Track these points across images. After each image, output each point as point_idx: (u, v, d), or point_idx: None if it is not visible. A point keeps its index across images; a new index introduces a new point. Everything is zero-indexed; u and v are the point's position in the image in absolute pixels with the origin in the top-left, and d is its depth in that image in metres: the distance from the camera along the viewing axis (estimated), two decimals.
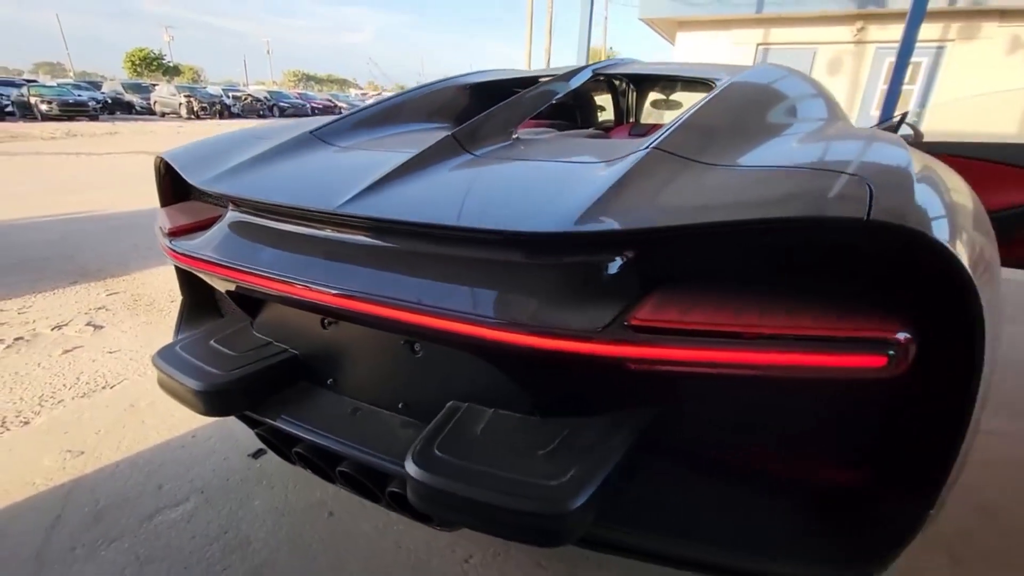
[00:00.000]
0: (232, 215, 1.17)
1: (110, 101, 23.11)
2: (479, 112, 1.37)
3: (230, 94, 25.89)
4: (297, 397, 1.18)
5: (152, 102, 23.81)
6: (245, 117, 24.12)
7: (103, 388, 2.16)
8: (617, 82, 2.73)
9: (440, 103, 1.98)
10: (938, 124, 8.84)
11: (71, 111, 18.22)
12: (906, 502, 0.80)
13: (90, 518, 1.49)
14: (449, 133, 1.19)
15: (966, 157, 2.71)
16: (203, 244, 1.14)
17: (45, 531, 1.44)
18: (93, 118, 18.90)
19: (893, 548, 0.80)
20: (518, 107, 1.46)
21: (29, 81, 22.77)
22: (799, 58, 9.93)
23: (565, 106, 2.70)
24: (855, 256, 0.77)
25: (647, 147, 1.00)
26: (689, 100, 2.64)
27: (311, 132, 1.42)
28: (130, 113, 23.81)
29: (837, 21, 9.27)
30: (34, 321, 2.77)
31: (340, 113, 1.68)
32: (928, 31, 8.44)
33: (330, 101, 31.49)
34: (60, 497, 1.56)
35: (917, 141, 3.21)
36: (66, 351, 2.46)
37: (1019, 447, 1.87)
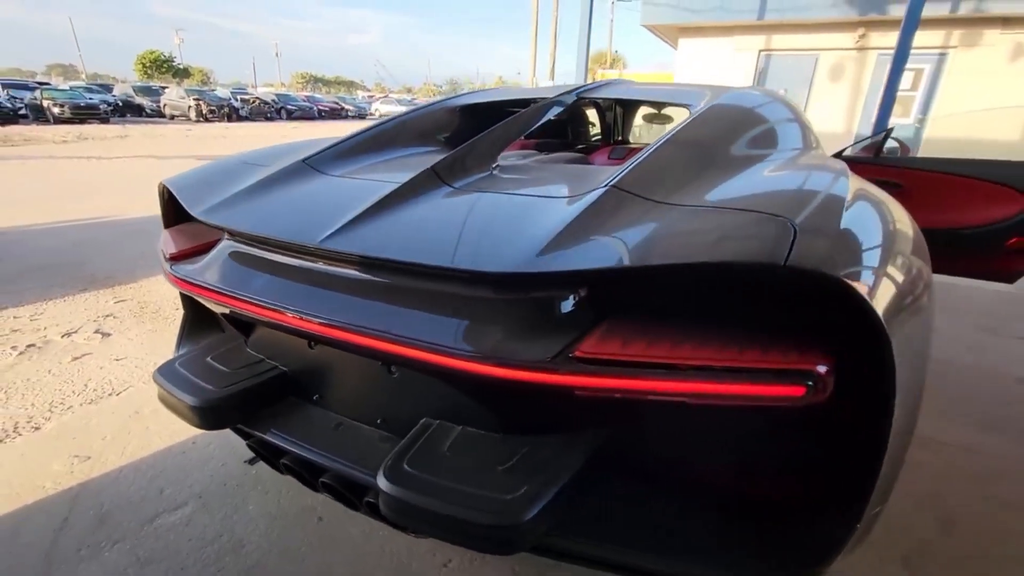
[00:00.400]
0: (226, 244, 1.26)
1: (121, 104, 23.52)
2: (472, 132, 1.44)
3: (238, 97, 26.14)
4: (286, 411, 1.27)
5: (162, 105, 24.10)
6: (253, 120, 24.38)
7: (110, 395, 2.27)
8: (602, 102, 2.82)
9: (434, 125, 2.06)
10: (939, 134, 8.87)
11: (82, 114, 18.53)
12: (835, 517, 0.88)
13: (95, 521, 1.59)
14: (430, 166, 1.28)
15: (952, 174, 2.77)
16: (200, 270, 1.24)
17: (53, 532, 1.54)
18: (104, 121, 19.20)
19: (824, 559, 0.87)
20: (501, 135, 1.54)
21: (41, 84, 23.17)
22: (801, 64, 9.97)
23: (557, 122, 2.79)
24: (781, 294, 0.85)
25: (606, 185, 1.08)
26: (677, 114, 2.72)
27: (303, 160, 1.50)
28: (140, 116, 24.17)
29: (838, 28, 9.30)
30: (45, 328, 2.89)
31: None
32: (930, 38, 8.47)
33: (337, 103, 31.73)
34: (68, 500, 1.66)
35: (903, 156, 3.27)
36: (75, 358, 2.57)
37: (984, 460, 1.92)
